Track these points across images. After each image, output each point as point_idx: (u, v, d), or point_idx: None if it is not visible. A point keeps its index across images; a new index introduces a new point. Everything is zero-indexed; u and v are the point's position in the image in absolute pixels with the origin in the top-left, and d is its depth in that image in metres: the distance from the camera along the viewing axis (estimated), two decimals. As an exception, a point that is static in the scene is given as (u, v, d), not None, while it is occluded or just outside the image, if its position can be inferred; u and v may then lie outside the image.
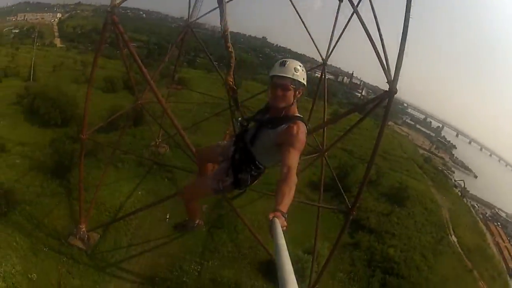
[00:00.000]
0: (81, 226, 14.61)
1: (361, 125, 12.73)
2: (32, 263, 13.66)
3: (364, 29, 8.76)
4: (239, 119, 3.00)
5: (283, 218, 1.79)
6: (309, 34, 16.55)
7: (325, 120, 16.24)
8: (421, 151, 49.85)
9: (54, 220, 15.78)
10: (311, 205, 14.86)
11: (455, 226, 22.31)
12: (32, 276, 13.14)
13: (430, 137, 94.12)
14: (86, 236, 14.68)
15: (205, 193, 3.38)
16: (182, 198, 3.71)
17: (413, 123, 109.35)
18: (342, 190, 14.33)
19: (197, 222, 3.97)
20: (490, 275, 19.90)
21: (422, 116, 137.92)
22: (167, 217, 16.07)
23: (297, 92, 2.67)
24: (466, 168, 68.12)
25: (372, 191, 21.24)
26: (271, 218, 1.72)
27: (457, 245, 20.63)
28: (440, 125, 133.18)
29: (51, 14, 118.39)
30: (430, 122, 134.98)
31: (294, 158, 2.34)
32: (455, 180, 44.02)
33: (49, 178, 18.13)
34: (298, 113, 2.78)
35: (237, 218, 15.53)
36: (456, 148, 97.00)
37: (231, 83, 2.96)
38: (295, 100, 2.69)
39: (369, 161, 10.69)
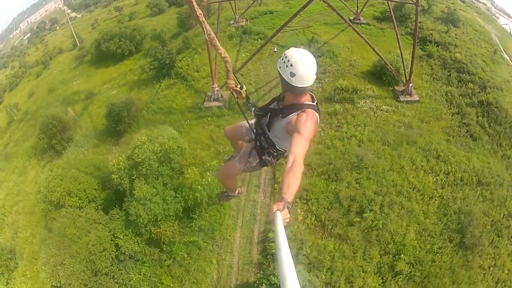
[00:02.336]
0: (214, 86, 17.45)
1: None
2: (181, 137, 15.87)
3: None
4: (253, 109, 3.03)
5: (287, 210, 1.81)
6: None
7: None
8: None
9: (182, 102, 18.68)
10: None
11: (505, 48, 24.49)
12: (184, 146, 15.13)
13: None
14: (220, 94, 17.60)
15: (235, 174, 3.62)
16: (218, 179, 4.17)
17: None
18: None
19: (237, 191, 4.20)
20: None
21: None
22: (275, 50, 20.62)
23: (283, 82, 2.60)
24: (509, 16, 60.89)
25: (428, 17, 23.97)
26: (274, 211, 1.74)
27: (510, 61, 23.01)
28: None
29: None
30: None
31: (301, 146, 2.33)
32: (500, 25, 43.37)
33: (155, 82, 20.81)
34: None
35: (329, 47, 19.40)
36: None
37: (233, 86, 2.99)
38: (284, 89, 2.64)
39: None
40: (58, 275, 11.70)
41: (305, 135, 2.37)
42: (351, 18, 23.86)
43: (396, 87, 17.98)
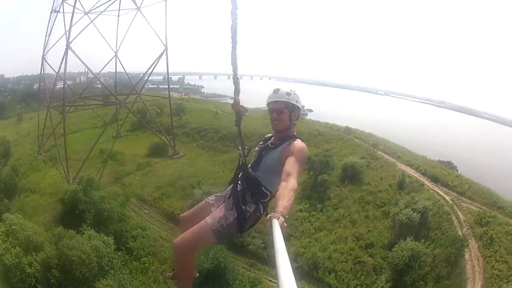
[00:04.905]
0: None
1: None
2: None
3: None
4: (240, 148, 2.99)
5: (283, 218, 1.83)
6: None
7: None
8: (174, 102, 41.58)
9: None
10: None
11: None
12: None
13: (176, 89, 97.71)
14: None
15: (205, 239, 2.75)
16: (176, 252, 2.91)
17: (154, 86, 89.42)
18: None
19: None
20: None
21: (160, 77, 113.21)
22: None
23: (293, 115, 2.85)
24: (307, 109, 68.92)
25: (163, 117, 38.92)
26: (270, 219, 1.77)
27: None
28: (181, 76, 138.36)
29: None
30: (171, 77, 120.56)
31: (294, 166, 2.44)
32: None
33: None
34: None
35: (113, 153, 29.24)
36: (204, 87, 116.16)
37: (239, 103, 3.02)
38: (292, 123, 2.87)
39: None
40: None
41: (298, 157, 2.55)
42: (114, 135, 33.84)
43: (168, 154, 30.68)
